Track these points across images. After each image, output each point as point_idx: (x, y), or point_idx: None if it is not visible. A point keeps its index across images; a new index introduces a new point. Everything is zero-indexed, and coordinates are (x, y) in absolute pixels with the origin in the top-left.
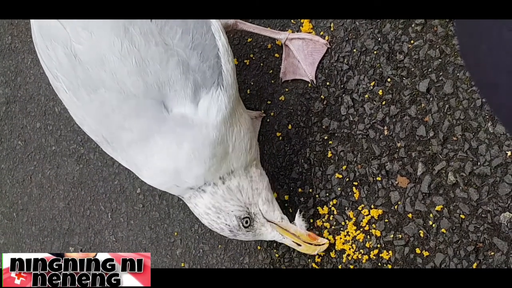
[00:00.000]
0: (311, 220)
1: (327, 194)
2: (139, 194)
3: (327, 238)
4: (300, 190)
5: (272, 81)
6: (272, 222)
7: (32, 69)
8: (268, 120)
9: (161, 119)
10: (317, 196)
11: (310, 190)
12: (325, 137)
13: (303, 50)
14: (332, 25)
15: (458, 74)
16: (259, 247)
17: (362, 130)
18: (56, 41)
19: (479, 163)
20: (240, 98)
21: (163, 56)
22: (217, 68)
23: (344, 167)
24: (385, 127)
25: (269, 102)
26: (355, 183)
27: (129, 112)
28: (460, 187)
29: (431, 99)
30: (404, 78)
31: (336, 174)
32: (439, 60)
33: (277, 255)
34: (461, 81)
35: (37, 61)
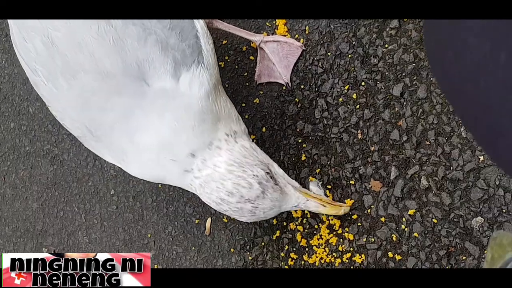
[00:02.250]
0: (285, 223)
1: None
2: (113, 195)
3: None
4: None
5: (247, 84)
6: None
7: (7, 69)
8: None
9: (141, 93)
10: None
11: None
12: (299, 140)
13: (278, 52)
14: (307, 28)
15: (431, 78)
16: (232, 250)
17: (336, 134)
18: (34, 31)
19: (451, 168)
20: (221, 81)
21: (141, 34)
22: (197, 48)
23: (317, 170)
24: (359, 131)
25: (243, 105)
26: (329, 187)
27: (110, 92)
28: (433, 192)
29: (404, 103)
30: (378, 82)
31: (310, 177)
32: (413, 64)
33: (250, 258)
34: (435, 86)
35: (11, 60)
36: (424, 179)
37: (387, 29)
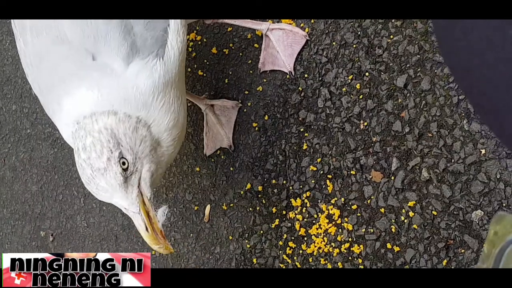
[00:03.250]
0: (284, 212)
1: (301, 186)
2: None
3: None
4: (274, 181)
5: (251, 72)
6: (140, 193)
7: (10, 51)
8: (245, 110)
9: (83, 64)
10: (290, 188)
11: (284, 182)
12: (301, 129)
13: (283, 41)
14: None
15: (435, 70)
16: (230, 237)
17: (338, 124)
18: None
19: (453, 160)
20: (185, 86)
21: None
22: (161, 41)
23: (319, 160)
24: (361, 121)
25: (246, 92)
26: (329, 176)
27: (59, 57)
28: (434, 184)
29: (408, 94)
30: (382, 73)
31: (311, 166)
32: (418, 56)
33: (248, 246)
34: (439, 78)
35: (15, 43)
36: (425, 171)
37: (393, 20)
